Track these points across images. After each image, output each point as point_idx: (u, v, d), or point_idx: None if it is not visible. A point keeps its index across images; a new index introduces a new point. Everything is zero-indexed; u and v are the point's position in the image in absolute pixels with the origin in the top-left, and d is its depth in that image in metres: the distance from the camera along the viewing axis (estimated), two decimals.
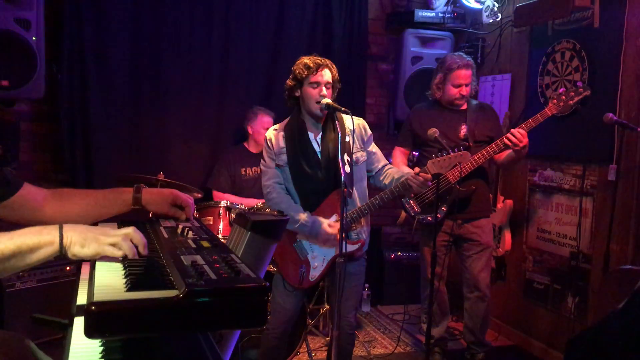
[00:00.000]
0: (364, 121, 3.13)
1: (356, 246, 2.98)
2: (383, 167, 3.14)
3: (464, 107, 3.77)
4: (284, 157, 2.96)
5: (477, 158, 3.50)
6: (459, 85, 3.66)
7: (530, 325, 4.35)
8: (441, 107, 3.80)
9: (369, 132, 3.12)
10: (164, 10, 4.59)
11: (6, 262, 1.28)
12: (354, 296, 3.10)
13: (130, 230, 1.42)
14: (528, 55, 4.42)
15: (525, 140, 3.41)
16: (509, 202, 4.44)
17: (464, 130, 3.67)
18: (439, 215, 3.61)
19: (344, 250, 2.63)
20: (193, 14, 4.68)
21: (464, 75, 3.64)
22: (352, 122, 2.79)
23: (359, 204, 2.98)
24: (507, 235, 4.41)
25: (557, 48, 4.08)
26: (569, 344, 3.04)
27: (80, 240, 1.35)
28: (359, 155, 3.00)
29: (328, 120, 3.01)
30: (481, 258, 3.78)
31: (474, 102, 3.84)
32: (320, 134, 2.99)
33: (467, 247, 3.81)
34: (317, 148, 2.97)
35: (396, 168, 3.20)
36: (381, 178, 3.10)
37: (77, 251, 1.34)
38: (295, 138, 2.96)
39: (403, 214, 3.90)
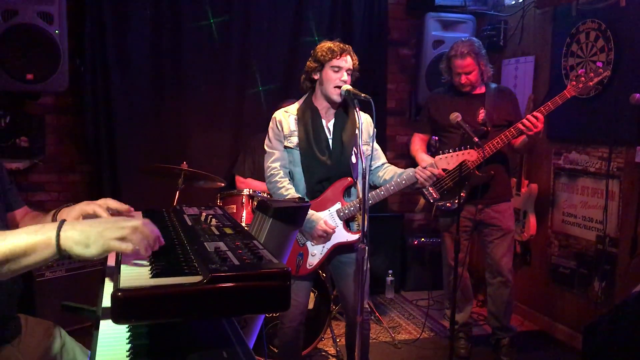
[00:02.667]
0: (369, 118, 3.11)
1: (356, 236, 2.97)
2: (383, 164, 3.13)
3: (482, 90, 3.73)
4: (295, 139, 2.96)
5: (496, 143, 3.47)
6: (459, 74, 3.65)
7: (556, 310, 4.31)
8: (458, 92, 3.76)
9: (373, 129, 3.11)
10: (184, 1, 4.61)
11: (0, 267, 1.21)
12: (365, 281, 3.10)
13: (138, 222, 1.27)
14: (551, 36, 4.34)
15: (540, 126, 3.36)
16: (534, 186, 4.39)
17: (482, 114, 3.63)
18: (457, 201, 3.61)
19: (347, 239, 2.63)
20: (213, 3, 4.69)
21: (460, 64, 3.62)
22: (365, 116, 2.79)
23: (360, 196, 2.97)
24: (532, 220, 4.37)
25: (582, 28, 4.00)
26: (586, 331, 3.02)
27: (82, 239, 1.22)
28: (365, 149, 2.99)
29: (342, 107, 3.00)
30: (503, 243, 3.75)
31: (493, 85, 3.79)
32: (333, 120, 2.99)
33: (488, 233, 3.78)
34: (329, 135, 2.97)
35: (394, 167, 3.16)
36: (380, 174, 3.08)
37: (81, 252, 1.23)
38: (309, 122, 2.95)
39: (422, 201, 3.89)
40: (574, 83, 3.35)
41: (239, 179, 4.43)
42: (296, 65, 4.84)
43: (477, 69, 3.63)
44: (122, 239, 1.24)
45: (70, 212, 1.68)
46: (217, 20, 4.72)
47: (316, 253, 2.97)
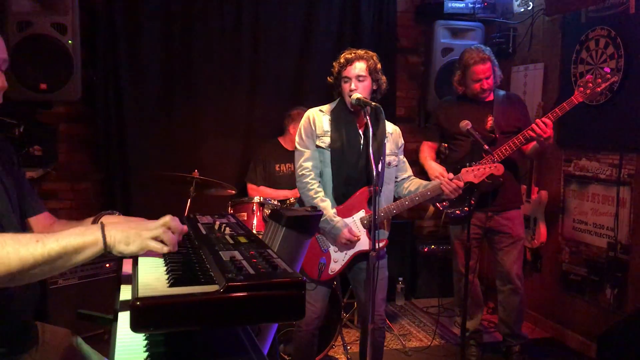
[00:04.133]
0: (399, 129, 3.12)
1: (382, 244, 2.98)
2: (409, 176, 3.14)
3: (490, 98, 3.74)
4: (327, 139, 2.95)
5: (504, 150, 3.47)
6: (479, 80, 3.64)
7: (567, 318, 4.29)
8: (467, 99, 3.78)
9: (402, 140, 3.12)
10: (194, 11, 4.66)
11: (53, 263, 1.32)
12: (382, 289, 3.10)
13: (167, 218, 1.44)
14: (561, 43, 4.34)
15: (549, 132, 3.35)
16: (544, 193, 4.38)
17: (490, 121, 3.63)
18: (467, 208, 3.63)
19: (369, 247, 2.65)
20: (223, 12, 4.73)
21: (482, 70, 3.62)
22: (392, 127, 2.83)
23: (384, 205, 2.98)
24: (542, 227, 4.36)
25: (591, 35, 4.00)
26: (601, 341, 3.01)
27: (123, 238, 1.37)
28: (392, 159, 3.00)
29: (372, 115, 3.01)
30: (513, 251, 3.75)
31: (501, 92, 3.80)
32: (364, 127, 2.99)
33: (498, 240, 3.79)
34: (361, 140, 2.97)
35: (419, 179, 3.17)
36: (405, 185, 3.09)
37: (123, 249, 1.37)
38: (343, 124, 2.96)
39: (431, 209, 3.91)
40: (582, 89, 3.35)
41: (251, 187, 4.44)
42: (306, 73, 4.88)
43: (493, 74, 3.66)
44: (156, 238, 1.40)
45: (110, 220, 1.84)
46: (228, 29, 4.75)
47: (339, 259, 2.98)
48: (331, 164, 2.95)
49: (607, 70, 3.39)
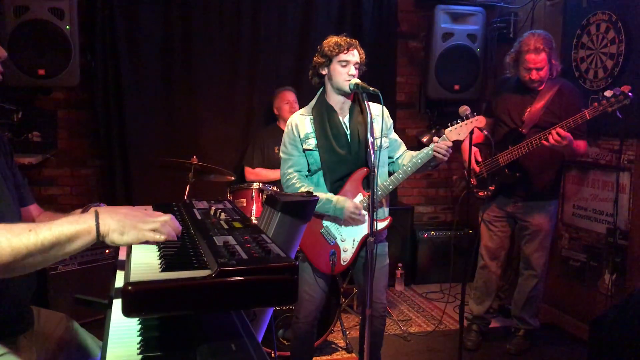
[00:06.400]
0: (387, 110, 3.09)
1: (385, 222, 2.97)
2: (404, 152, 3.12)
3: (542, 88, 3.60)
4: (312, 140, 2.95)
5: (522, 147, 3.47)
6: (529, 70, 3.52)
7: (566, 303, 4.30)
8: (519, 84, 3.67)
9: (391, 120, 3.10)
10: None
11: (46, 252, 1.31)
12: (384, 277, 3.10)
13: (168, 217, 1.42)
14: (562, 28, 4.31)
15: (564, 142, 3.29)
16: None
17: (527, 114, 3.59)
18: (485, 193, 3.72)
19: (374, 229, 2.63)
20: None
21: (534, 59, 3.47)
22: (381, 108, 2.78)
23: (380, 183, 2.96)
24: None
25: (592, 20, 3.97)
26: (593, 324, 3.02)
27: (118, 227, 1.35)
28: (382, 141, 2.98)
29: (355, 102, 3.00)
30: (534, 240, 3.76)
31: (556, 83, 3.61)
32: (347, 115, 2.98)
33: (521, 227, 3.83)
34: (346, 130, 2.96)
35: (411, 151, 3.14)
36: (399, 161, 3.07)
37: (116, 239, 1.35)
38: (325, 120, 2.95)
39: (461, 185, 3.93)
40: (596, 104, 3.26)
41: (247, 170, 4.46)
42: (306, 57, 4.84)
43: (548, 65, 3.52)
44: (154, 230, 1.38)
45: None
46: (227, 15, 4.73)
47: (348, 248, 2.98)
48: (321, 161, 2.94)
49: (628, 89, 3.21)
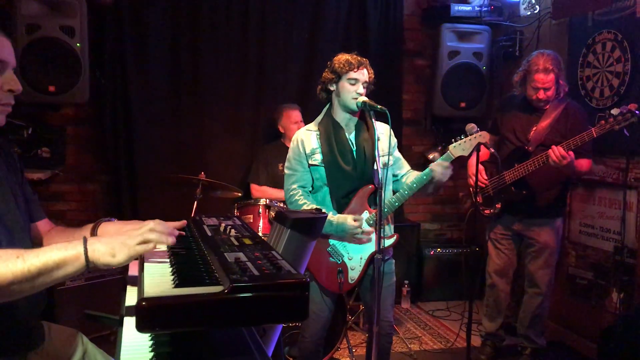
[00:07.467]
0: (389, 128, 3.10)
1: (393, 240, 2.97)
2: (407, 171, 3.13)
3: (547, 107, 3.61)
4: (319, 156, 2.95)
5: (527, 166, 3.48)
6: (537, 89, 3.52)
7: (573, 322, 4.27)
8: (525, 102, 3.69)
9: (395, 139, 3.10)
10: (201, 13, 4.68)
11: (34, 280, 1.31)
12: (391, 295, 3.09)
13: (150, 224, 1.44)
14: (567, 47, 4.33)
15: (565, 161, 3.28)
16: None
17: (532, 132, 3.60)
18: (492, 210, 3.72)
19: (381, 246, 2.63)
20: (229, 14, 4.76)
21: (542, 79, 3.47)
22: (387, 127, 2.79)
23: (386, 200, 2.96)
24: None
25: (598, 39, 4.00)
26: (602, 337, 3.01)
27: (108, 250, 1.36)
28: (387, 159, 2.99)
29: (361, 119, 3.01)
30: (539, 257, 3.75)
31: (562, 102, 3.61)
32: (354, 132, 2.99)
33: (526, 245, 3.81)
34: (352, 146, 2.97)
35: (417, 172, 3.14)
36: (404, 180, 3.07)
37: (109, 261, 1.36)
38: (332, 136, 2.96)
39: (468, 203, 3.92)
40: (603, 122, 3.28)
41: (254, 187, 4.46)
42: (312, 76, 4.88)
43: (555, 85, 3.52)
44: (143, 242, 1.39)
45: (108, 227, 1.80)
46: (235, 33, 4.78)
47: (355, 266, 2.97)
48: (327, 177, 2.94)
49: (635, 107, 3.22)
